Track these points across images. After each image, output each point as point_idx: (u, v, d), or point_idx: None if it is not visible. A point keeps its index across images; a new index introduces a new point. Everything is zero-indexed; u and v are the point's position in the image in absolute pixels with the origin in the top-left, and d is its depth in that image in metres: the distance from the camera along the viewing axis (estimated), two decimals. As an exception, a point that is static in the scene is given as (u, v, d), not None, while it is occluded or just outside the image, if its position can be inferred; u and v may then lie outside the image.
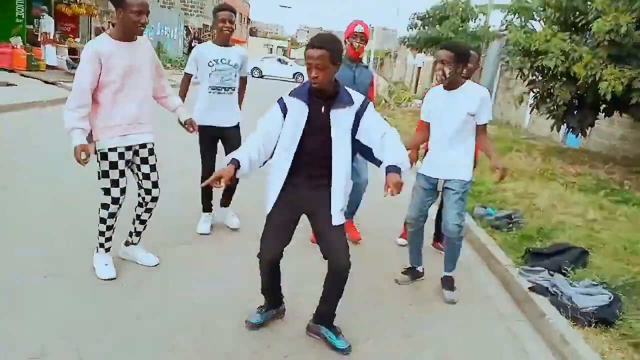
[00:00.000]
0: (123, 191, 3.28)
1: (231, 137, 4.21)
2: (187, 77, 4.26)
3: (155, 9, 26.53)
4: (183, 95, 4.19)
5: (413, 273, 3.97)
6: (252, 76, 22.36)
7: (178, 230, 4.32)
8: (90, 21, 19.41)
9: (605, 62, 7.16)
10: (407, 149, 3.65)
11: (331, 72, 2.52)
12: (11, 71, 13.35)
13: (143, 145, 3.35)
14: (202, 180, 3.96)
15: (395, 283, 3.91)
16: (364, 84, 4.30)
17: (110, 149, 3.18)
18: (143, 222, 3.56)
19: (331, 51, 2.46)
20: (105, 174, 3.21)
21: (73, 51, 17.52)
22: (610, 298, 3.49)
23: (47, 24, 15.05)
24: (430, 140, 3.74)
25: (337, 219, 2.70)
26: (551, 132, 11.58)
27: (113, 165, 3.20)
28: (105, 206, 3.26)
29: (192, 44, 18.51)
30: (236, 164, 2.50)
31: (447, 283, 3.77)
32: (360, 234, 4.66)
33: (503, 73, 16.01)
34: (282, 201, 2.72)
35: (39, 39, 15.08)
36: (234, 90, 4.25)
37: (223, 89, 4.16)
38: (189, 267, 3.69)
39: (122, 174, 3.25)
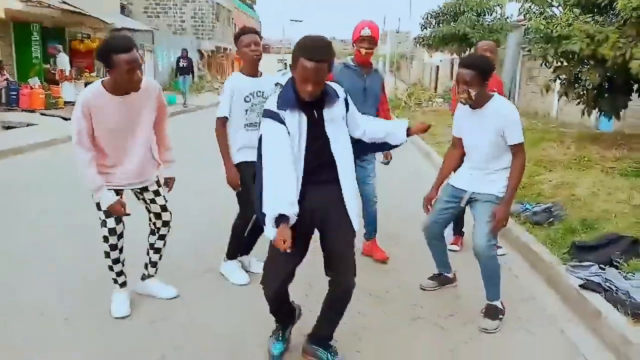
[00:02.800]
0: (119, 220, 3.08)
1: None
2: (223, 122, 3.55)
3: (167, 37, 27.02)
4: (225, 148, 3.56)
5: (441, 279, 3.73)
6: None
7: (197, 260, 4.15)
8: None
9: (634, 40, 6.78)
10: (441, 176, 3.49)
11: (325, 81, 2.38)
12: (31, 111, 13.57)
13: (145, 189, 3.21)
14: (242, 224, 3.68)
15: (420, 289, 3.69)
16: (375, 92, 4.01)
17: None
18: (158, 250, 3.39)
19: (330, 63, 2.30)
20: (98, 206, 3.03)
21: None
22: (671, 290, 3.18)
23: (63, 61, 15.31)
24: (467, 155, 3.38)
25: (355, 220, 2.55)
26: (582, 119, 11.14)
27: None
28: (105, 239, 3.09)
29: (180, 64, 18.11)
30: (287, 220, 2.29)
31: (489, 311, 3.24)
32: (386, 254, 4.28)
33: (525, 63, 15.59)
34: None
35: (56, 77, 15.35)
36: None
37: (259, 125, 3.39)
38: (210, 297, 3.51)
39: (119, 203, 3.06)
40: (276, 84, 3.82)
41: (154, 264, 3.44)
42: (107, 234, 3.07)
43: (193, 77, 18.80)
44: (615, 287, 3.32)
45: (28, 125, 11.68)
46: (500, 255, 4.23)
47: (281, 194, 2.28)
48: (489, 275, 3.23)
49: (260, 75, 3.65)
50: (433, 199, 3.41)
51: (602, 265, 3.62)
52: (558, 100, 10.30)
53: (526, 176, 6.50)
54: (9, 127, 11.76)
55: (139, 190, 3.20)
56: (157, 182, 3.27)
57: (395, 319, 3.26)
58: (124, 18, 20.60)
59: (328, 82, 2.47)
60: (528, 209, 5.18)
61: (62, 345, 2.84)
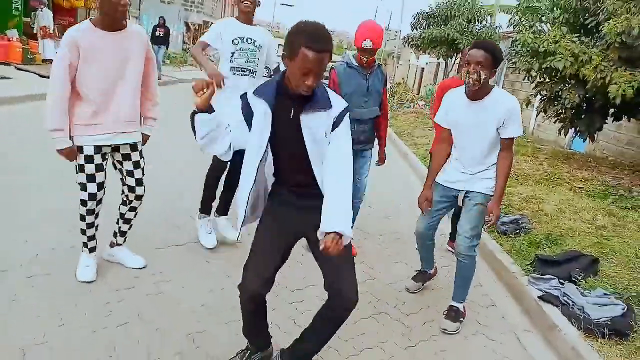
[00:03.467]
0: (100, 186, 3.05)
1: None
2: (203, 45, 3.70)
3: (154, 5, 26.41)
4: (203, 62, 3.64)
5: (424, 277, 3.76)
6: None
7: (167, 230, 4.13)
8: (89, 14, 19.22)
9: (615, 64, 6.97)
10: (433, 174, 3.37)
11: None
12: (7, 64, 13.14)
13: (125, 144, 3.13)
14: (214, 170, 3.81)
15: (406, 291, 3.73)
16: (377, 90, 3.95)
17: (79, 147, 2.96)
18: (128, 221, 3.35)
19: (331, 54, 2.05)
20: (81, 168, 2.98)
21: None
22: (623, 309, 3.32)
23: (46, 17, 14.81)
24: (453, 149, 3.30)
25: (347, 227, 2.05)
26: (557, 137, 11.41)
27: (88, 159, 2.97)
28: (83, 202, 3.04)
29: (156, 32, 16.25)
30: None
31: (451, 313, 3.28)
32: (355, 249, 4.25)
33: (508, 76, 15.84)
34: (270, 217, 2.31)
35: (35, 32, 14.88)
36: (256, 75, 3.80)
37: (248, 71, 3.74)
38: (178, 270, 3.50)
39: (98, 168, 3.02)
40: (266, 68, 3.88)
41: (123, 234, 3.41)
42: (85, 198, 3.02)
43: (168, 47, 17.65)
44: (572, 302, 3.43)
45: (2, 78, 11.31)
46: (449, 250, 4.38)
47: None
48: (463, 276, 3.27)
49: (254, 26, 3.76)
50: (429, 198, 3.31)
51: (562, 281, 3.73)
52: (536, 116, 10.49)
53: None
54: (-20, 78, 11.37)
55: (120, 157, 3.14)
56: (140, 152, 3.21)
57: (358, 312, 3.30)
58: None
59: (329, 89, 2.23)
60: (497, 218, 5.29)
61: (22, 304, 2.79)
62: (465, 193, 3.20)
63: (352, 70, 3.86)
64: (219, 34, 3.68)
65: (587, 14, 7.98)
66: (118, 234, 3.40)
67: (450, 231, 4.62)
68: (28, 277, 3.08)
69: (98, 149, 2.99)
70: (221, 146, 2.17)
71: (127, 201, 3.27)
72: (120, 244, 3.43)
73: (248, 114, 2.13)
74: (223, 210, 4.06)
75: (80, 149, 2.95)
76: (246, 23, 3.73)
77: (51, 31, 14.86)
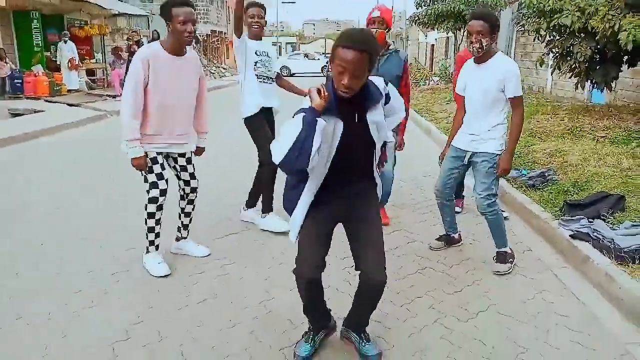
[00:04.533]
0: (167, 182, 3.45)
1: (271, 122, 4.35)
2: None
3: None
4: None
5: (448, 239, 4.04)
6: (282, 75, 21.97)
7: (221, 223, 4.52)
8: (103, 40, 19.88)
9: (622, 12, 7.08)
10: (450, 137, 3.79)
11: (365, 78, 2.16)
12: (36, 98, 13.81)
13: (182, 154, 3.56)
14: (266, 170, 4.23)
15: (430, 249, 4.01)
16: (391, 74, 4.04)
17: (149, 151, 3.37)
18: (188, 214, 3.76)
19: (370, 54, 2.07)
20: (149, 170, 3.38)
21: (90, 72, 18.02)
22: (652, 236, 3.56)
23: (71, 49, 15.43)
24: (466, 110, 3.66)
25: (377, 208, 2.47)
26: (575, 93, 11.46)
27: (154, 161, 3.39)
28: (154, 200, 3.42)
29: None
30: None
31: (499, 257, 3.66)
32: (388, 219, 4.63)
33: (519, 39, 15.84)
34: (316, 209, 2.40)
35: (58, 64, 15.53)
36: (273, 80, 4.34)
37: (270, 80, 4.28)
38: (239, 254, 3.88)
39: (163, 166, 3.44)
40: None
41: (186, 227, 3.81)
42: (156, 195, 3.39)
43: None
44: (602, 236, 3.70)
45: (35, 111, 11.94)
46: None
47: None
48: (495, 226, 3.62)
49: (262, 41, 4.31)
50: (446, 153, 3.81)
51: (591, 219, 3.99)
52: (552, 74, 10.57)
53: (521, 145, 6.91)
54: (15, 115, 12.01)
55: (175, 157, 3.54)
56: (189, 160, 3.62)
57: (404, 270, 3.64)
58: (121, 3, 20.66)
59: (371, 78, 2.28)
60: (524, 174, 5.55)
61: (111, 300, 3.20)
62: (473, 155, 3.56)
63: None
64: (244, 42, 4.07)
65: (588, -34, 8.07)
66: (182, 228, 3.80)
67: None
68: (112, 274, 3.50)
69: (159, 153, 3.41)
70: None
71: (185, 195, 3.68)
72: (185, 237, 3.82)
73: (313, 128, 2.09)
74: (268, 207, 4.39)
75: (145, 154, 3.35)
76: (256, 40, 4.21)
77: (77, 62, 15.51)
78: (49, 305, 3.07)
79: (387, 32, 4.20)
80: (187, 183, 3.64)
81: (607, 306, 3.13)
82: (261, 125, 4.21)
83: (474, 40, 3.30)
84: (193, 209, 3.77)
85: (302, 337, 2.64)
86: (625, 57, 8.18)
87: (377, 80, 2.35)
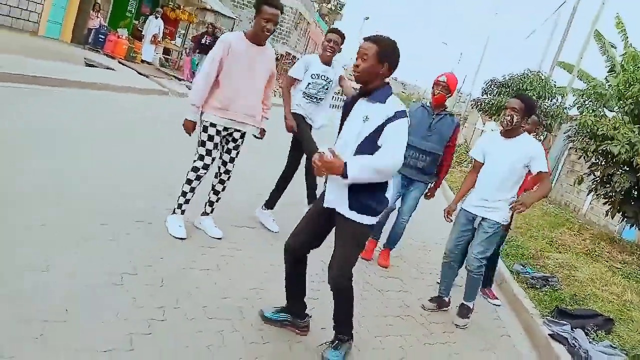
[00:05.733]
0: (214, 160, 3.86)
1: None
2: (290, 80, 4.71)
3: (247, 29, 27.96)
4: (286, 102, 4.69)
5: (440, 302, 4.23)
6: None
7: (244, 215, 4.85)
8: (188, 28, 20.96)
9: (669, 159, 7.32)
10: (460, 194, 4.19)
11: (373, 67, 2.58)
12: (112, 57, 14.64)
13: (238, 130, 3.93)
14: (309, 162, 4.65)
15: (421, 308, 4.18)
16: (441, 132, 4.61)
17: (211, 124, 3.77)
18: (217, 192, 4.09)
19: (380, 47, 2.57)
20: (202, 143, 3.80)
21: (166, 51, 18.97)
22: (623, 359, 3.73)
23: (158, 26, 16.36)
24: (478, 179, 4.03)
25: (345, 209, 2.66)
26: (608, 223, 11.57)
27: (210, 138, 3.79)
28: (195, 169, 3.82)
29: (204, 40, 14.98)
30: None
31: (462, 310, 4.06)
32: (389, 263, 4.94)
33: (570, 156, 16.06)
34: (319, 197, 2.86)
35: (143, 34, 16.46)
36: (321, 102, 4.79)
37: (316, 99, 4.72)
38: (248, 244, 4.20)
39: (216, 146, 3.83)
40: (344, 66, 4.97)
41: (212, 204, 4.14)
42: (199, 166, 3.80)
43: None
44: (579, 345, 3.87)
45: (107, 68, 12.68)
46: (495, 304, 4.83)
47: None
48: (474, 283, 4.02)
49: (331, 66, 4.70)
50: (452, 210, 4.15)
51: (574, 328, 4.17)
52: (588, 194, 10.69)
53: (535, 250, 7.11)
54: (90, 65, 12.79)
55: (232, 136, 3.90)
56: (243, 135, 3.98)
57: (388, 311, 3.88)
58: (215, 0, 21.80)
59: (392, 100, 2.61)
60: (528, 272, 5.74)
61: (130, 238, 3.54)
62: (481, 220, 3.90)
63: (422, 109, 4.77)
64: (305, 67, 4.64)
65: (650, 108, 8.37)
66: (208, 204, 4.14)
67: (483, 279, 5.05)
68: (135, 221, 3.86)
69: (219, 132, 3.79)
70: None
71: (219, 174, 4.04)
72: (208, 213, 4.15)
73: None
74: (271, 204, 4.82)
75: (205, 128, 3.76)
76: (325, 63, 4.67)
77: (160, 39, 16.42)
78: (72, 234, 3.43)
79: (448, 96, 4.69)
80: (224, 164, 4.01)
81: (561, 405, 3.30)
82: (299, 121, 4.64)
83: (507, 114, 3.78)
84: (223, 189, 4.11)
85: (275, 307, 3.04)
86: (661, 202, 8.35)
87: (393, 101, 2.63)
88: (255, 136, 4.10)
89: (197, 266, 3.47)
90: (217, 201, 4.15)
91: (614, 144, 7.81)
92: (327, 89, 4.74)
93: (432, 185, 4.94)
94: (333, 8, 53.67)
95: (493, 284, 5.08)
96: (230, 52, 3.68)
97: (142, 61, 16.22)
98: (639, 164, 7.46)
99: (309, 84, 4.64)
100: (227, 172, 4.05)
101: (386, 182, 2.71)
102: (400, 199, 4.88)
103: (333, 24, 54.93)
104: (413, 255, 5.63)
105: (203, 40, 14.88)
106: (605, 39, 14.69)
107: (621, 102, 9.28)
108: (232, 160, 4.02)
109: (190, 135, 3.80)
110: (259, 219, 4.78)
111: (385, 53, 2.61)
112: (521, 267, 5.91)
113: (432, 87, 4.74)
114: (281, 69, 36.43)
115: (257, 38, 3.75)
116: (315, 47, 43.72)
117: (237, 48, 3.69)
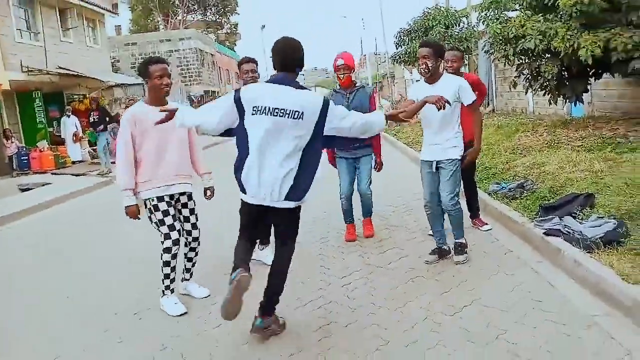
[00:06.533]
0: (179, 232, 3.83)
1: None
2: None
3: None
4: None
5: (440, 252, 4.36)
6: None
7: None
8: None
9: (579, 31, 7.69)
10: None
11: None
12: (43, 172, 14.38)
13: (183, 193, 3.94)
14: None
15: (425, 263, 4.32)
16: (359, 106, 4.71)
17: (158, 199, 3.75)
18: (190, 259, 4.09)
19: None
20: (161, 222, 3.77)
21: (91, 143, 18.68)
22: (615, 224, 3.96)
23: (73, 123, 16.09)
24: (424, 130, 4.33)
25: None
26: (556, 109, 12.02)
27: (165, 213, 3.77)
28: (168, 250, 3.77)
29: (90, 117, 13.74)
30: None
31: (457, 248, 4.28)
32: (373, 232, 5.25)
33: (498, 65, 16.56)
34: None
35: (62, 138, 16.21)
36: None
37: None
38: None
39: (174, 217, 3.82)
40: None
41: (188, 270, 4.13)
42: (170, 245, 3.74)
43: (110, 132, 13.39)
44: (572, 230, 4.09)
45: (43, 184, 12.46)
46: (487, 230, 5.04)
47: None
48: (457, 220, 4.22)
49: None
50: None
51: (562, 217, 4.39)
52: (526, 93, 11.10)
53: (503, 162, 7.40)
54: (25, 189, 12.53)
55: (179, 202, 3.93)
56: (192, 200, 4.00)
57: (398, 281, 4.02)
58: (116, 75, 21.64)
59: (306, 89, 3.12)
60: (504, 187, 5.97)
61: (141, 335, 3.58)
62: (439, 163, 4.14)
63: (336, 94, 5.00)
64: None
65: (545, -7, 8.75)
66: (185, 271, 4.13)
67: (469, 208, 5.25)
68: (134, 314, 3.89)
69: (169, 203, 3.78)
70: None
71: (187, 243, 4.02)
72: (188, 279, 4.16)
73: None
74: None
75: (155, 207, 3.74)
76: None
77: (81, 135, 16.21)
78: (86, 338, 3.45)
79: (352, 73, 4.98)
80: (189, 233, 3.98)
81: (577, 287, 3.50)
82: None
83: (421, 63, 4.02)
84: (195, 255, 4.09)
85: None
86: (591, 72, 8.76)
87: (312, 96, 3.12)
88: (190, 195, 3.99)
89: (209, 326, 3.53)
90: (193, 266, 4.14)
91: (527, 40, 8.16)
92: None
93: (375, 159, 5.16)
94: (229, 32, 53.68)
95: (480, 213, 5.27)
96: (137, 125, 3.68)
97: (74, 162, 16.01)
98: (556, 48, 7.80)
99: None
100: (195, 239, 4.02)
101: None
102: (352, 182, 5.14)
103: (235, 45, 54.98)
104: (399, 220, 5.79)
105: (91, 119, 13.80)
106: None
107: (517, 0, 9.68)
108: (194, 226, 4.00)
109: (138, 218, 3.79)
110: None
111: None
112: (496, 185, 6.15)
113: (336, 74, 4.98)
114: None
115: (158, 98, 3.74)
116: (228, 74, 43.66)
117: (142, 118, 3.68)
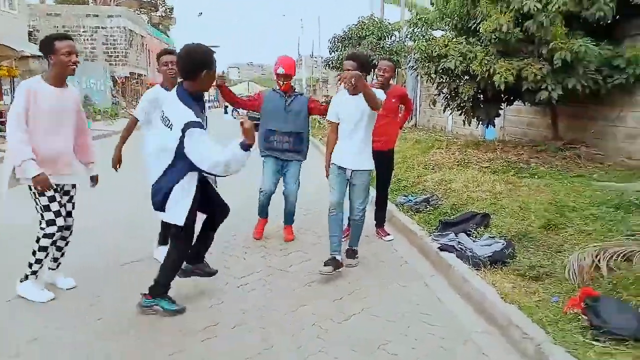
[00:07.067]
0: (64, 219, 3.60)
1: None
2: (134, 121, 4.40)
3: (79, 64, 26.39)
4: (126, 136, 4.40)
5: (334, 263, 4.20)
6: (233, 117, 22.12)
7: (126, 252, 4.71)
8: (13, 82, 19.26)
9: (496, 57, 8.09)
10: (327, 157, 4.42)
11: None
12: None
13: (73, 185, 3.75)
14: None
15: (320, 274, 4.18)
16: (296, 111, 4.90)
17: None
18: (60, 249, 3.83)
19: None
20: (46, 208, 3.51)
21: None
22: (503, 244, 4.17)
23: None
24: (339, 134, 4.32)
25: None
26: (472, 131, 12.60)
27: (52, 199, 3.52)
28: (49, 236, 3.53)
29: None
30: None
31: (349, 253, 4.45)
32: (293, 236, 5.22)
33: (423, 83, 17.15)
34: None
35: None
36: None
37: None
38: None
39: (60, 204, 3.58)
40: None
41: (56, 260, 3.86)
42: (53, 231, 3.51)
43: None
44: (465, 247, 4.26)
45: None
46: (388, 240, 5.15)
47: None
48: (358, 229, 4.38)
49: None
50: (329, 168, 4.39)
51: (457, 234, 4.57)
52: (443, 111, 11.48)
53: (414, 176, 7.61)
54: None
55: (62, 192, 3.68)
56: (75, 188, 3.79)
57: (294, 285, 4.01)
58: (32, 45, 20.23)
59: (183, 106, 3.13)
60: (410, 200, 6.15)
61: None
62: (353, 172, 4.21)
63: (275, 93, 5.00)
64: (146, 104, 4.23)
65: (469, 18, 9.15)
66: (52, 261, 3.84)
67: (375, 218, 5.36)
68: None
69: (56, 190, 3.53)
70: None
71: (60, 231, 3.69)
72: (54, 269, 3.88)
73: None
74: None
75: (42, 193, 3.45)
76: (171, 89, 3.96)
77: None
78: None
79: (293, 78, 5.03)
80: (65, 220, 3.68)
81: (462, 303, 3.66)
82: None
83: (346, 81, 3.96)
84: (66, 245, 3.86)
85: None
86: (505, 97, 9.25)
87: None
88: (71, 197, 3.80)
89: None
90: (62, 256, 3.89)
91: (448, 60, 8.47)
92: None
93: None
94: (163, 15, 51.92)
95: (385, 223, 5.39)
96: (32, 103, 3.39)
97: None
98: (474, 71, 8.15)
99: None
100: (68, 227, 3.79)
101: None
102: (281, 180, 5.11)
103: (169, 30, 53.25)
104: (309, 224, 5.78)
105: None
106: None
107: (444, 20, 10.05)
108: (69, 214, 3.78)
109: (51, 187, 3.46)
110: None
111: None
112: (404, 197, 6.32)
113: (276, 79, 4.97)
114: (131, 90, 34.99)
115: (61, 78, 3.51)
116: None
117: (40, 96, 3.41)
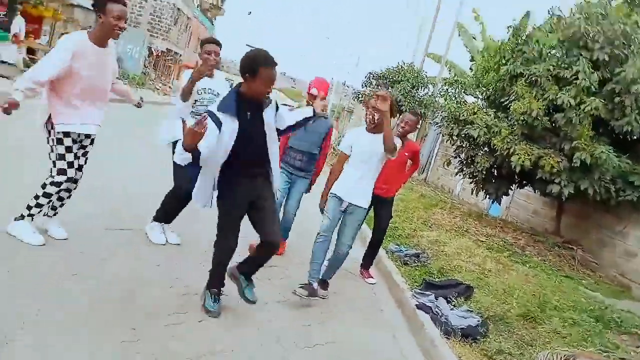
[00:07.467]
0: (76, 172, 3.69)
1: None
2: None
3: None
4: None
5: (310, 290, 4.20)
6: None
7: (119, 219, 4.74)
8: (54, 26, 19.52)
9: (519, 139, 8.21)
10: (328, 186, 4.42)
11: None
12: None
13: (88, 136, 3.80)
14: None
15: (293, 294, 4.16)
16: (317, 132, 4.92)
17: (65, 134, 3.58)
18: (61, 199, 3.89)
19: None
20: (61, 157, 3.60)
21: (31, 51, 17.55)
22: (478, 321, 4.20)
23: (19, 25, 15.07)
24: (346, 167, 4.36)
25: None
26: (478, 201, 12.66)
27: (69, 149, 3.62)
28: (57, 184, 3.60)
29: None
30: None
31: (321, 284, 4.39)
32: (284, 250, 5.22)
33: (444, 142, 17.32)
34: (231, 193, 3.36)
35: (11, 40, 15.10)
36: None
37: None
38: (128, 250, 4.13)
39: (76, 156, 3.67)
40: (227, 79, 4.71)
41: (55, 208, 3.91)
42: (62, 180, 3.58)
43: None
44: (441, 312, 4.29)
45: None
46: (371, 283, 5.17)
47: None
48: (338, 263, 4.38)
49: (213, 77, 4.39)
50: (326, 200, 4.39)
51: (437, 297, 4.59)
52: (455, 175, 11.59)
53: (411, 229, 7.64)
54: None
55: (80, 146, 3.77)
56: (93, 140, 3.86)
57: (267, 298, 4.02)
58: (83, -5, 20.53)
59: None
60: (402, 250, 6.18)
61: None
62: (350, 206, 4.22)
63: None
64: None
65: (502, 94, 9.31)
66: (51, 209, 3.89)
67: (364, 258, 5.40)
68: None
69: (74, 140, 3.63)
70: None
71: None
72: (51, 216, 3.92)
73: (219, 126, 3.10)
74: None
75: (60, 140, 3.56)
76: (208, 76, 4.21)
77: (22, 38, 15.17)
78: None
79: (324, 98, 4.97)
80: (75, 173, 3.76)
81: (426, 367, 3.66)
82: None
83: (370, 113, 4.18)
84: (68, 197, 3.91)
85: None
86: (518, 179, 9.34)
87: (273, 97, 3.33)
88: (86, 152, 3.88)
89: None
90: (61, 207, 3.93)
91: (473, 128, 8.59)
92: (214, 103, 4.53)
93: (310, 181, 5.20)
94: (215, 3, 52.70)
95: (371, 266, 5.41)
96: (75, 60, 3.46)
97: (3, 62, 14.91)
98: (495, 145, 8.27)
99: (196, 101, 4.24)
100: (76, 181, 3.86)
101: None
102: (285, 195, 5.11)
103: (215, 19, 53.97)
104: (301, 243, 5.79)
105: None
106: (468, 30, 16.00)
107: (479, 88, 10.22)
108: (80, 168, 3.85)
109: (8, 113, 3.32)
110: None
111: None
112: (396, 246, 6.35)
113: (308, 98, 4.97)
114: (164, 65, 35.31)
115: (105, 40, 3.59)
116: (197, 43, 42.67)
117: (82, 54, 3.48)
